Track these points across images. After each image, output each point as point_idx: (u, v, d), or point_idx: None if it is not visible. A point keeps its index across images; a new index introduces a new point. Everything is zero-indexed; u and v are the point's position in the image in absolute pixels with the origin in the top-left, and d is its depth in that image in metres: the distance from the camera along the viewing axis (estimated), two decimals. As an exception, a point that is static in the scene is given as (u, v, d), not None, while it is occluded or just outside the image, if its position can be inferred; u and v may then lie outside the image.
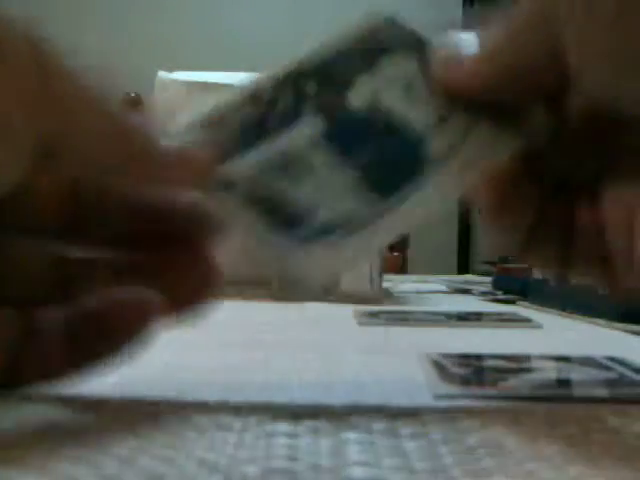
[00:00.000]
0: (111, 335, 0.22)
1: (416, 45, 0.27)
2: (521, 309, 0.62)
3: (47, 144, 0.19)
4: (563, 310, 0.58)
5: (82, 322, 0.23)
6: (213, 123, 0.25)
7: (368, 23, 0.28)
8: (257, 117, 0.25)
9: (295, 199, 0.23)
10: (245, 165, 0.23)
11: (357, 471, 0.17)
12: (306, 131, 0.24)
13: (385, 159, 0.24)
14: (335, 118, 0.25)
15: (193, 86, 1.01)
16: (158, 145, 0.22)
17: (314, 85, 0.26)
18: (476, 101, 0.25)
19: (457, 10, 2.33)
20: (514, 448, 0.19)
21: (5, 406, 0.22)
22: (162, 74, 1.02)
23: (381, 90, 0.26)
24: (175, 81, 1.00)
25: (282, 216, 0.22)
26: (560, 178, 0.26)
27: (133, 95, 1.16)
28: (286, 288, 0.67)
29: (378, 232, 0.23)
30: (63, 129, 0.20)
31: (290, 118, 0.25)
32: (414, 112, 0.25)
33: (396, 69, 0.26)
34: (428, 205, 0.24)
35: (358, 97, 0.25)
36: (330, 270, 0.22)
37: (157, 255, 0.23)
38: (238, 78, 1.04)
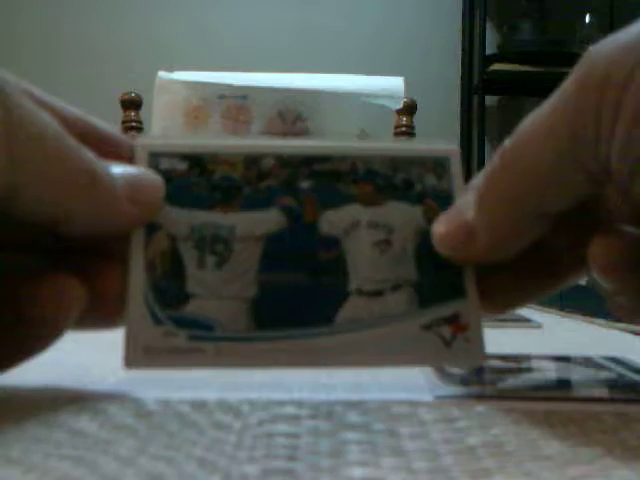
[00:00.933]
0: (27, 326, 0.22)
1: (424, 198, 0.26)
2: (521, 309, 0.62)
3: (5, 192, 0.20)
4: (563, 310, 0.58)
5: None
6: (194, 165, 0.25)
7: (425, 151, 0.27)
8: (234, 181, 0.25)
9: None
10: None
11: (357, 471, 0.17)
12: (270, 219, 0.25)
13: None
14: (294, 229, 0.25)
15: (193, 86, 1.01)
16: (106, 181, 0.23)
17: (310, 183, 0.26)
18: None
19: (457, 10, 2.33)
20: (514, 448, 0.19)
21: (5, 406, 0.22)
22: (162, 74, 1.02)
23: (358, 232, 0.25)
24: (175, 81, 1.00)
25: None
26: None
27: (133, 95, 1.16)
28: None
29: None
30: (21, 179, 0.20)
31: (262, 201, 0.25)
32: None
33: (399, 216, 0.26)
34: None
35: (331, 224, 0.25)
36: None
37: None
38: (237, 78, 1.04)
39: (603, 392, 0.26)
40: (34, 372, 0.26)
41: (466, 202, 0.25)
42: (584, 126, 0.21)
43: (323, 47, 2.29)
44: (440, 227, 0.25)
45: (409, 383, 0.27)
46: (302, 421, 0.21)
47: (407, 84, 1.05)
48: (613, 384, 0.27)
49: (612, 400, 0.25)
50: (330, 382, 0.27)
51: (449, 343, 0.24)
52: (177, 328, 0.23)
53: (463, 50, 2.33)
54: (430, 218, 0.25)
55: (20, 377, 0.24)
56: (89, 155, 0.22)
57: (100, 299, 0.23)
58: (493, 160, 0.24)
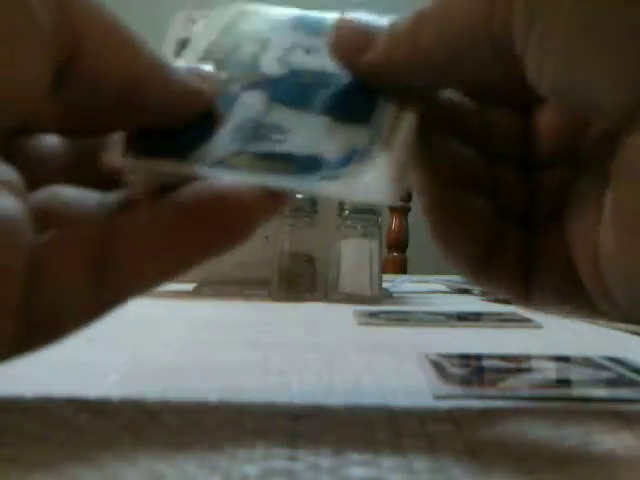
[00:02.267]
0: (216, 231, 0.21)
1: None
2: (521, 309, 0.62)
3: (65, 52, 0.19)
4: (563, 310, 0.58)
5: (181, 217, 0.21)
6: None
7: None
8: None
9: (295, 150, 0.22)
10: (221, 147, 0.23)
11: (357, 471, 0.17)
12: (253, 102, 0.24)
13: (339, 100, 0.24)
14: (270, 84, 0.24)
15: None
16: (169, 67, 0.22)
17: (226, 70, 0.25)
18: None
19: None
20: (514, 448, 0.19)
21: (5, 405, 0.22)
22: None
23: (285, 55, 0.25)
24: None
25: (294, 167, 0.22)
26: (513, 199, 0.25)
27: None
28: (285, 288, 0.67)
29: (391, 146, 0.22)
30: (84, 37, 0.20)
31: (228, 101, 0.24)
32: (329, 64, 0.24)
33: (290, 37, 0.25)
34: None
35: (268, 65, 0.25)
36: (376, 187, 0.22)
37: None
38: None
39: (602, 392, 0.26)
40: (34, 371, 0.26)
41: (372, 21, 0.23)
42: None
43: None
44: (340, 26, 0.23)
45: (409, 383, 0.27)
46: (302, 421, 0.21)
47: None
48: (613, 384, 0.27)
49: (612, 400, 0.25)
50: (330, 382, 0.27)
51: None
52: None
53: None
54: None
55: (20, 377, 0.24)
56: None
57: None
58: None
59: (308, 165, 0.22)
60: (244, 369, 0.31)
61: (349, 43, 0.23)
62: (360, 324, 0.49)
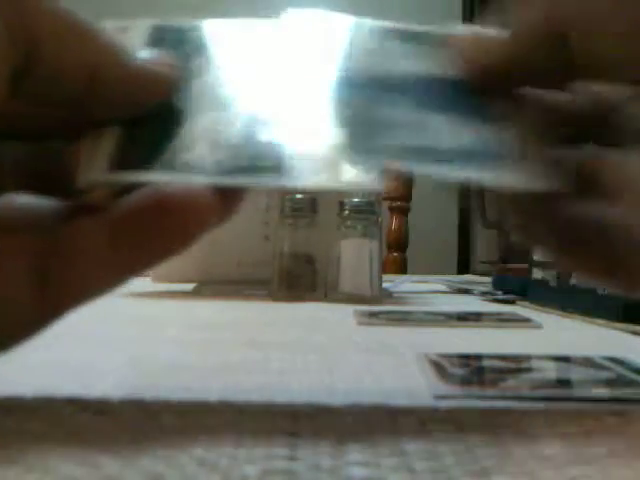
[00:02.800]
0: (158, 238, 0.20)
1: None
2: (521, 309, 0.62)
3: (21, 55, 0.19)
4: (563, 310, 0.58)
5: (126, 223, 0.20)
6: None
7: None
8: None
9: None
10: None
11: (357, 471, 0.17)
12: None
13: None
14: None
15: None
16: (129, 54, 0.22)
17: None
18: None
19: (457, 10, 2.33)
20: (514, 448, 0.19)
21: (5, 406, 0.22)
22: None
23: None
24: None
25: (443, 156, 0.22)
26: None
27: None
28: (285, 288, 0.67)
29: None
30: (40, 37, 0.20)
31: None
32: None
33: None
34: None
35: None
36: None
37: None
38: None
39: (603, 392, 0.26)
40: (34, 371, 0.26)
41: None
42: None
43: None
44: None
45: (409, 383, 0.27)
46: (302, 421, 0.21)
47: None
48: (613, 384, 0.27)
49: (612, 400, 0.25)
50: (330, 382, 0.27)
51: None
52: None
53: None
54: None
55: (20, 377, 0.24)
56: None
57: None
58: None
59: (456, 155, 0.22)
60: (244, 369, 0.31)
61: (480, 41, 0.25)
62: (360, 324, 0.49)
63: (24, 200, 0.22)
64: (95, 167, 0.21)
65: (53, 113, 0.22)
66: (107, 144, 0.22)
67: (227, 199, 0.21)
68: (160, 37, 0.25)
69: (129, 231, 0.20)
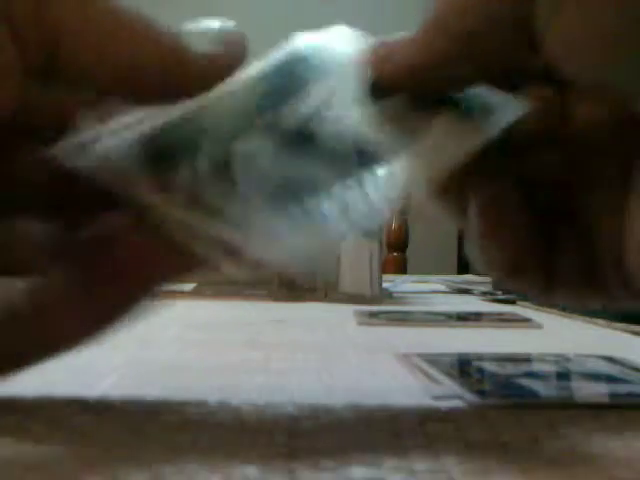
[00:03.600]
0: (127, 282, 0.20)
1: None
2: (521, 309, 0.62)
3: (48, 39, 0.19)
4: (563, 310, 0.58)
5: (93, 273, 0.20)
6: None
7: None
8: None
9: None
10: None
11: (357, 471, 0.17)
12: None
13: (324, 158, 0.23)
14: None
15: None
16: (176, 45, 0.21)
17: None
18: (427, 87, 0.22)
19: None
20: (514, 448, 0.19)
21: (6, 406, 0.22)
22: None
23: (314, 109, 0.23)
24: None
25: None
26: (547, 202, 0.24)
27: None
28: (285, 288, 0.67)
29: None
30: (58, 33, 0.19)
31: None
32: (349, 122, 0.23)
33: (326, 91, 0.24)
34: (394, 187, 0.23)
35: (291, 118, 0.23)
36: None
37: None
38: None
39: (603, 393, 0.26)
40: (34, 372, 0.26)
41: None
42: None
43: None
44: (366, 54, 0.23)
45: (409, 383, 0.27)
46: (302, 421, 0.21)
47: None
48: (613, 385, 0.27)
49: (612, 401, 0.25)
50: (330, 382, 0.27)
51: None
52: None
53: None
54: None
55: (20, 377, 0.24)
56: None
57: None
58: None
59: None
60: (244, 369, 0.31)
61: (373, 57, 0.23)
62: (360, 324, 0.49)
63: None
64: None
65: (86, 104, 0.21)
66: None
67: (182, 260, 0.21)
68: None
69: (99, 284, 0.20)
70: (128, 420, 0.21)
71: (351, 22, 0.27)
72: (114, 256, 0.20)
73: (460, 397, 0.24)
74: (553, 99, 0.24)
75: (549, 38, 0.19)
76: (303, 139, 0.23)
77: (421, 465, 0.17)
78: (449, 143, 0.23)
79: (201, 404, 0.23)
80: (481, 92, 0.23)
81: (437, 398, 0.24)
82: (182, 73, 0.21)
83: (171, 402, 0.23)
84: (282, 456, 0.18)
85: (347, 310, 0.56)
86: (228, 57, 0.22)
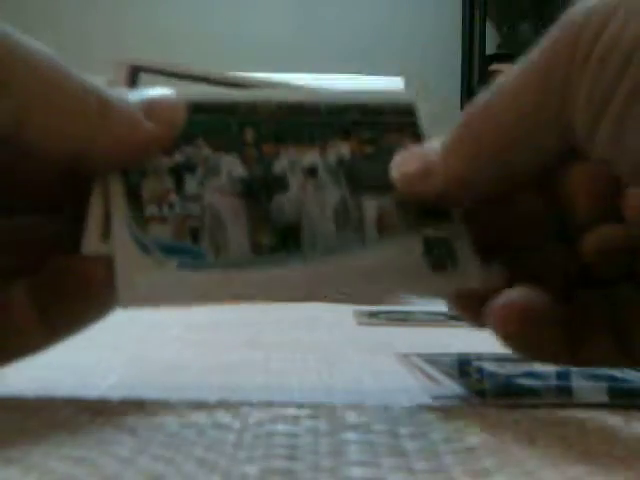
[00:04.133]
0: (75, 296, 0.22)
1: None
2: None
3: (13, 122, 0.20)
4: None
5: (45, 288, 0.22)
6: None
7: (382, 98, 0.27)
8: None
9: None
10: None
11: (357, 471, 0.17)
12: (225, 169, 0.24)
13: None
14: (253, 171, 0.24)
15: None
16: (122, 103, 0.22)
17: (253, 133, 0.25)
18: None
19: (457, 10, 2.33)
20: (514, 448, 0.19)
21: (5, 406, 0.22)
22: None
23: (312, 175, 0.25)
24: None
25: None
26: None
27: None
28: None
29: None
30: (27, 103, 0.20)
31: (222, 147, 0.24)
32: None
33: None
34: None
35: (282, 165, 0.25)
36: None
37: None
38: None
39: (603, 392, 0.26)
40: (34, 372, 0.26)
41: (429, 147, 0.25)
42: (549, 91, 0.21)
43: (322, 47, 2.28)
44: (399, 159, 0.25)
45: (409, 383, 0.27)
46: (302, 421, 0.21)
47: (407, 84, 1.05)
48: (613, 385, 0.27)
49: (612, 401, 0.25)
50: (330, 382, 0.27)
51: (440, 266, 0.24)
52: (165, 256, 0.22)
53: (463, 50, 2.32)
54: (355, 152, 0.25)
55: (20, 377, 0.24)
56: (94, 83, 0.21)
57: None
58: (461, 116, 0.23)
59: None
60: (244, 369, 0.31)
61: (411, 173, 0.24)
62: (360, 324, 0.49)
63: None
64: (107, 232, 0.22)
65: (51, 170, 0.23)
66: (118, 211, 0.22)
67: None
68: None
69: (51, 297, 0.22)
70: (128, 420, 0.21)
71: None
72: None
73: (460, 397, 0.24)
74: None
75: (598, 139, 0.20)
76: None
77: (421, 465, 0.17)
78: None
79: (201, 404, 0.23)
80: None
81: (437, 398, 0.24)
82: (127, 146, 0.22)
83: (171, 402, 0.23)
84: (282, 456, 0.18)
85: (347, 310, 0.56)
86: (157, 126, 0.23)
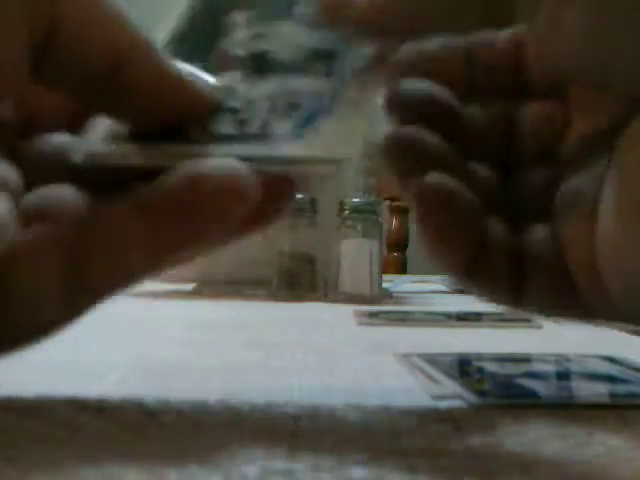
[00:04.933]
0: (195, 220, 0.20)
1: None
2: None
3: (44, 31, 0.19)
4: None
5: (161, 206, 0.20)
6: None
7: None
8: None
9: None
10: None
11: (357, 471, 0.17)
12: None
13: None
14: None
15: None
16: (154, 47, 0.21)
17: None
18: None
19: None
20: (514, 448, 0.19)
21: (5, 405, 0.22)
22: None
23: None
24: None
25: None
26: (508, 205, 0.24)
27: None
28: (285, 287, 0.67)
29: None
30: (59, 12, 0.19)
31: None
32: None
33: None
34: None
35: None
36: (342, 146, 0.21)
37: None
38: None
39: (603, 392, 0.26)
40: (34, 371, 0.26)
41: None
42: None
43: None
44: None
45: (409, 383, 0.27)
46: (302, 421, 0.21)
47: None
48: (613, 384, 0.27)
49: (612, 401, 0.25)
50: (330, 382, 0.27)
51: None
52: None
53: (463, 50, 2.33)
54: None
55: (20, 376, 0.24)
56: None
57: None
58: None
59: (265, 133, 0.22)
60: (244, 369, 0.31)
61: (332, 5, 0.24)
62: (360, 324, 0.49)
63: (61, 191, 0.22)
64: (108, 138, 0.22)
65: (75, 97, 0.22)
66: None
67: (273, 188, 0.20)
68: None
69: (165, 214, 0.20)
70: (128, 420, 0.21)
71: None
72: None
73: (460, 397, 0.24)
74: (554, 114, 0.24)
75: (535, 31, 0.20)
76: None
77: (421, 465, 0.17)
78: None
79: (201, 404, 0.23)
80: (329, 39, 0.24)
81: (437, 398, 0.24)
82: (157, 74, 0.21)
83: (171, 402, 0.23)
84: (282, 456, 0.18)
85: (347, 310, 0.56)
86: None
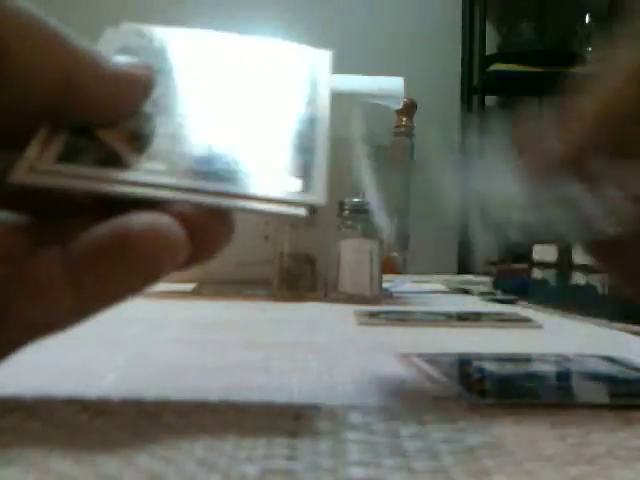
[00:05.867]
0: (122, 274, 0.19)
1: None
2: (521, 309, 0.62)
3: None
4: (563, 310, 0.58)
5: (84, 257, 0.19)
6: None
7: None
8: None
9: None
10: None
11: (357, 471, 0.17)
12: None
13: None
14: None
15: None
16: (105, 57, 0.21)
17: None
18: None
19: (457, 10, 2.33)
20: (514, 448, 0.19)
21: (5, 405, 0.22)
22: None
23: None
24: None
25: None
26: None
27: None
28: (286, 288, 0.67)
29: None
30: (6, 43, 0.19)
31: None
32: None
33: None
34: None
35: None
36: None
37: None
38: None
39: (603, 393, 0.26)
40: (34, 371, 0.26)
41: None
42: None
43: (322, 47, 2.28)
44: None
45: (409, 383, 0.27)
46: (302, 421, 0.21)
47: (407, 84, 1.05)
48: (613, 385, 0.27)
49: (612, 401, 0.25)
50: (330, 382, 0.27)
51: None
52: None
53: (463, 50, 2.32)
54: None
55: (20, 376, 0.24)
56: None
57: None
58: None
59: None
60: (244, 369, 0.31)
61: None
62: (360, 324, 0.49)
63: None
64: (41, 162, 0.21)
65: (22, 121, 0.21)
66: (55, 145, 0.21)
67: (202, 234, 0.20)
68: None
69: (89, 267, 0.19)
70: (128, 420, 0.21)
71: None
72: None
73: (460, 397, 0.24)
74: None
75: None
76: None
77: (421, 465, 0.17)
78: None
79: (201, 404, 0.23)
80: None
81: (437, 398, 0.24)
82: (118, 84, 0.22)
83: (171, 402, 0.23)
84: (282, 456, 0.18)
85: (347, 310, 0.56)
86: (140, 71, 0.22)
